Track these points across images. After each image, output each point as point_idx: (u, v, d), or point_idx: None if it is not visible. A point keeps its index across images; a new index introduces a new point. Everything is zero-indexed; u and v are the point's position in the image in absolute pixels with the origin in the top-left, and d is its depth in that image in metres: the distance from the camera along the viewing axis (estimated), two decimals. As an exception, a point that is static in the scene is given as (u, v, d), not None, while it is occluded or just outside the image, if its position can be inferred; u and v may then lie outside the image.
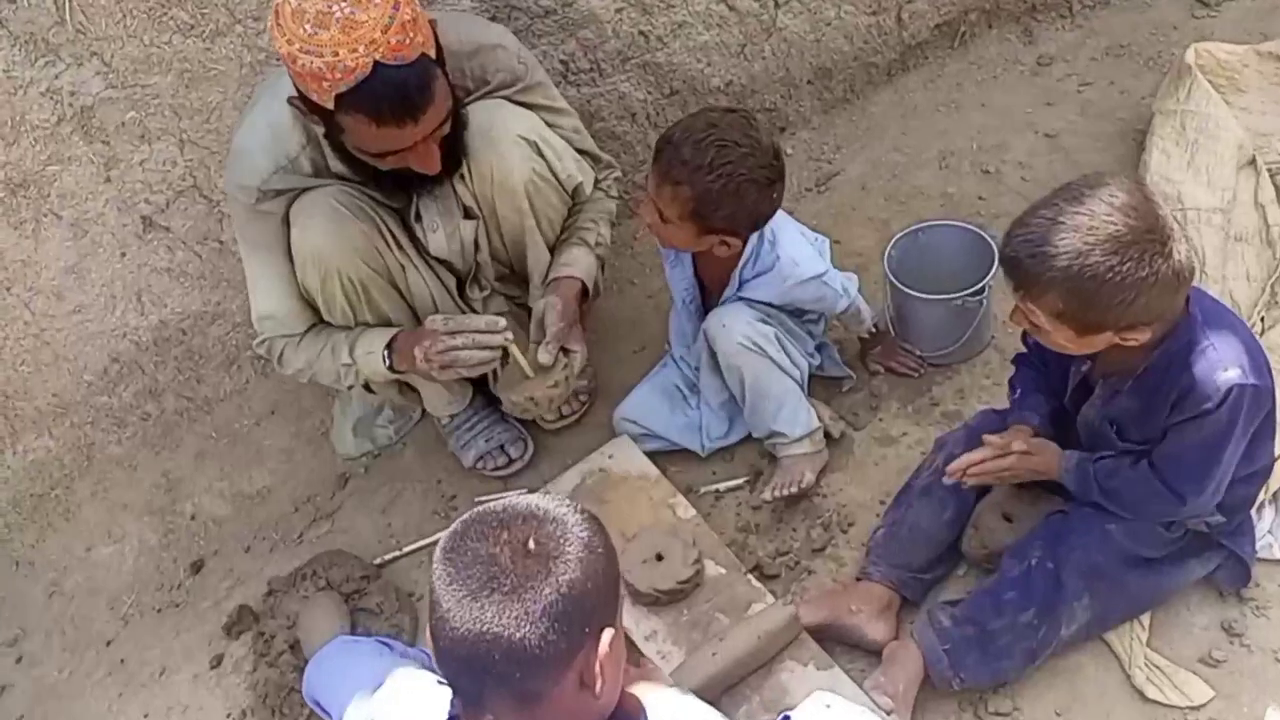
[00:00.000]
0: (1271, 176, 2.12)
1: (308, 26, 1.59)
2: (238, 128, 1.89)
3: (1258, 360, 1.49)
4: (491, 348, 1.83)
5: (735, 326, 1.92)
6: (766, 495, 1.95)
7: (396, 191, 1.89)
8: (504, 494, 2.13)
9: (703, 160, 1.73)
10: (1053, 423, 1.73)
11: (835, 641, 1.72)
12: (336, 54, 1.59)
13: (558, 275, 2.01)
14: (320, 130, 1.78)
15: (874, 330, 2.09)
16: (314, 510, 2.32)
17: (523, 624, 1.06)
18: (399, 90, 1.64)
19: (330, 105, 1.65)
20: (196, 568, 2.30)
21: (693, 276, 2.04)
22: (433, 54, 1.68)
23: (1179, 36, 2.63)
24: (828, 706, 1.32)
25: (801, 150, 2.67)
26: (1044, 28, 2.77)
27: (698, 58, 2.46)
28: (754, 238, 1.88)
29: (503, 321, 1.85)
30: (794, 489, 1.93)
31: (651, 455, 2.09)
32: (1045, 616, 1.62)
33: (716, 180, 1.73)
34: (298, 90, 1.70)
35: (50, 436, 2.40)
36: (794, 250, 1.91)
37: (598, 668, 1.11)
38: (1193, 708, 1.56)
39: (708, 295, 2.05)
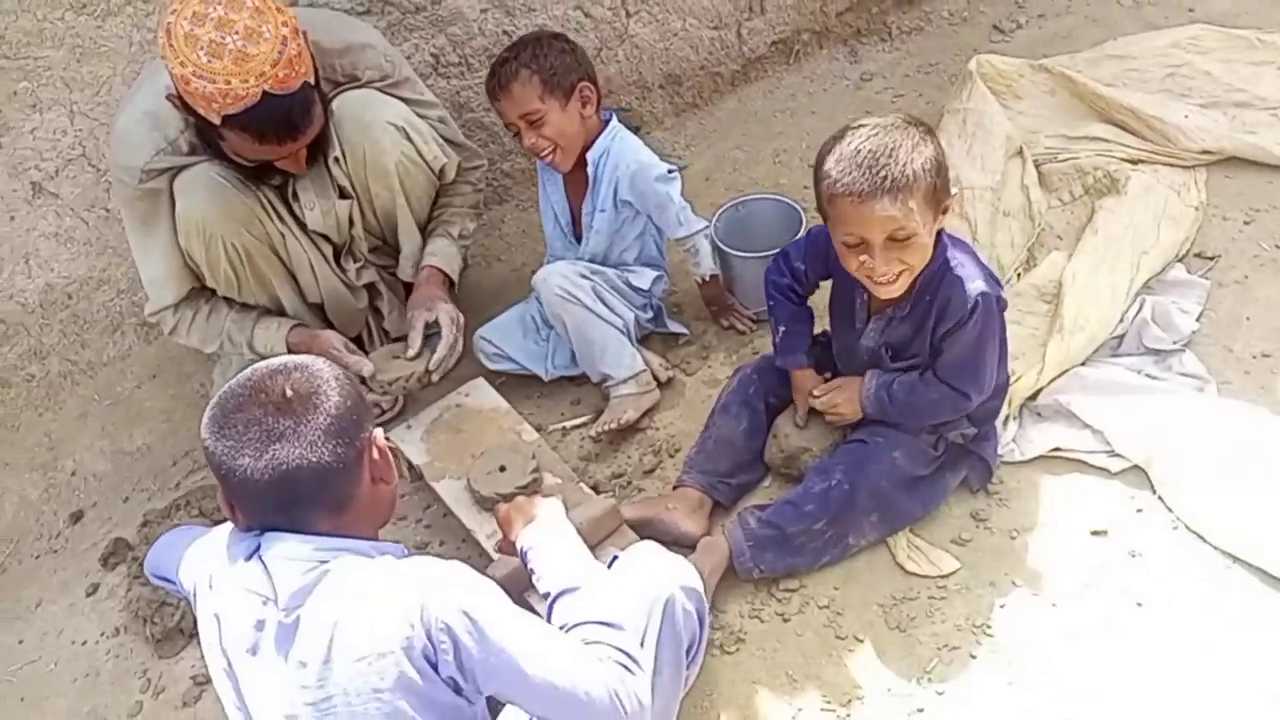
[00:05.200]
0: (1036, 165, 2.50)
1: (201, 54, 1.79)
2: (119, 112, 2.07)
3: (990, 273, 1.82)
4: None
5: (552, 280, 2.19)
6: (592, 431, 2.20)
7: (269, 178, 2.09)
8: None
9: (516, 53, 2.13)
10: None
11: (654, 536, 1.94)
12: (229, 83, 1.80)
13: (423, 264, 2.27)
14: (194, 125, 1.98)
15: (713, 277, 2.34)
16: (191, 463, 2.47)
17: (314, 450, 1.29)
18: (284, 116, 1.87)
19: (216, 121, 1.85)
20: (76, 518, 2.42)
21: (564, 193, 2.30)
22: (313, 80, 1.92)
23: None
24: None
25: (655, 147, 2.91)
26: (867, 49, 3.16)
27: (556, 59, 2.74)
28: (603, 135, 2.21)
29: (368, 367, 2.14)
30: (615, 425, 2.18)
31: (508, 393, 2.31)
32: (837, 527, 1.89)
33: (534, 52, 2.10)
34: (177, 91, 1.87)
35: (-68, 393, 2.50)
36: (636, 146, 2.24)
37: (380, 460, 1.38)
38: (942, 576, 1.85)
39: (577, 224, 2.32)
